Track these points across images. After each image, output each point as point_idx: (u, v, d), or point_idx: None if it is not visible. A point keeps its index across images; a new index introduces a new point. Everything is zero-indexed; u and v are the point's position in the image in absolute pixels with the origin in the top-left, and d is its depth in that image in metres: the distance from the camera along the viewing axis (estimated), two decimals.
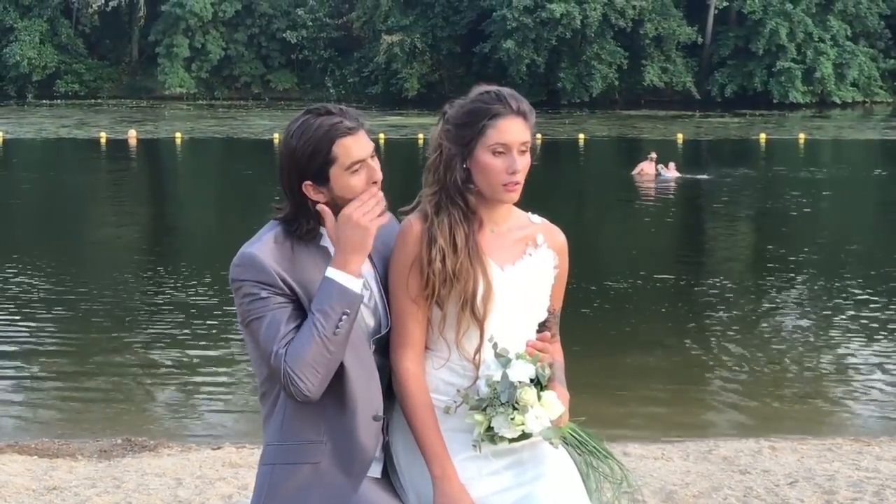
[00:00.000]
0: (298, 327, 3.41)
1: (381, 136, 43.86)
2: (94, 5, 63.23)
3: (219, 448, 8.74)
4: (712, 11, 61.56)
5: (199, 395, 11.65)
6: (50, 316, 14.89)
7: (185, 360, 12.84)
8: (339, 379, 3.48)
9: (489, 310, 3.62)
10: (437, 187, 3.68)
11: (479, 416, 3.56)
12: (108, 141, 41.66)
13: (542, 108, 53.04)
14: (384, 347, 3.63)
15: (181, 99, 63.28)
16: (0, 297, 15.90)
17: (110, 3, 63.65)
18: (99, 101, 62.78)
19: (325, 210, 3.46)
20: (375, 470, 3.65)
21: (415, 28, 62.05)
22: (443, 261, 3.57)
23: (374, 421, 3.55)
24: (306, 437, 3.53)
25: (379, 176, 3.55)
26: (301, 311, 3.46)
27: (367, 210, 3.42)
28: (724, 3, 60.63)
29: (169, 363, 12.74)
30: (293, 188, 3.54)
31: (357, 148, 3.51)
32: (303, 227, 3.55)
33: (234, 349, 13.21)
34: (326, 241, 3.57)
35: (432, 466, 3.58)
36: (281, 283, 3.45)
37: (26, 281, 16.87)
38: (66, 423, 10.51)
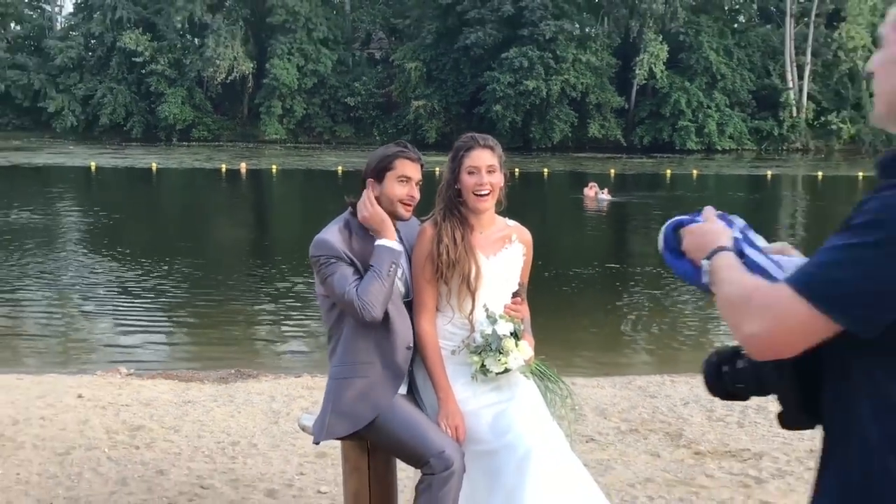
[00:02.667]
0: (359, 280, 3.48)
1: None
2: (218, 78, 63.08)
3: (299, 376, 8.74)
4: (635, 87, 61.37)
5: (284, 342, 11.70)
6: (185, 287, 14.96)
7: (277, 318, 12.90)
8: (384, 320, 3.54)
9: (479, 285, 3.67)
10: (443, 204, 3.77)
11: (475, 358, 3.60)
12: (227, 170, 41.57)
13: (518, 152, 53.16)
14: (409, 308, 3.69)
15: (276, 143, 63.20)
16: (152, 274, 15.96)
17: (229, 77, 63.52)
18: (220, 143, 62.71)
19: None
20: (403, 389, 3.69)
21: (434, 96, 62.03)
22: (447, 253, 3.64)
23: (406, 350, 3.61)
24: (360, 360, 3.59)
25: (415, 195, 3.68)
26: (359, 274, 3.52)
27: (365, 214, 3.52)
28: (643, 81, 60.44)
29: (266, 320, 12.80)
30: (362, 184, 3.70)
31: (410, 169, 3.63)
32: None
33: (308, 311, 13.29)
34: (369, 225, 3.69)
35: (438, 391, 3.63)
36: (344, 255, 3.53)
37: (170, 264, 16.92)
38: (197, 359, 10.54)
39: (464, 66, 61.99)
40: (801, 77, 62.15)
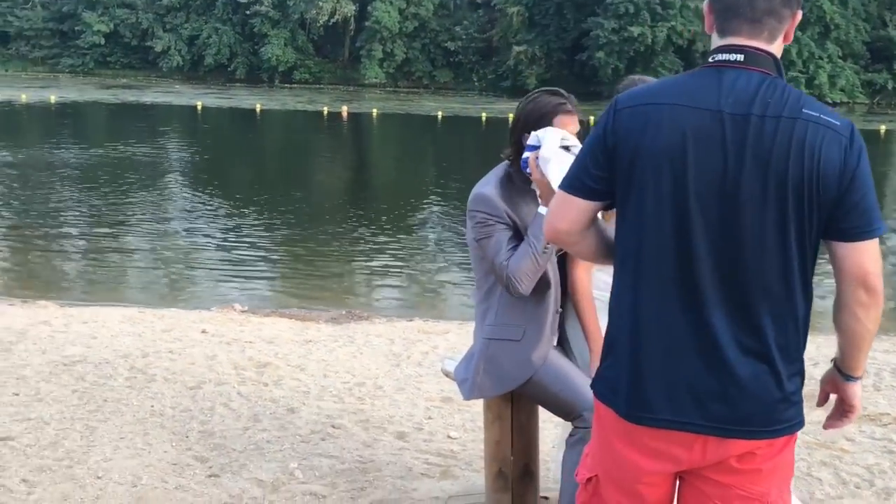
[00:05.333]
0: (515, 247, 3.36)
1: (510, 115, 43.52)
2: (320, 20, 63.19)
3: (412, 320, 8.76)
4: None
5: (390, 286, 11.73)
6: (291, 227, 15.11)
7: (380, 262, 12.94)
8: (540, 283, 3.42)
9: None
10: None
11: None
12: (328, 113, 41.78)
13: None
14: (562, 260, 3.57)
15: (376, 87, 63.26)
16: (258, 214, 16.17)
17: (331, 20, 63.61)
18: (321, 86, 62.98)
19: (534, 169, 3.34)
20: (554, 340, 3.60)
21: (535, 42, 61.14)
22: None
23: (556, 313, 3.51)
24: (513, 322, 3.49)
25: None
26: (517, 235, 3.40)
27: (536, 173, 3.30)
28: None
29: (369, 264, 12.84)
30: (516, 137, 3.49)
31: (570, 125, 3.43)
32: (516, 167, 3.48)
33: (412, 257, 13.31)
34: (535, 186, 3.51)
35: (591, 344, 3.54)
36: (504, 215, 3.40)
37: (275, 205, 17.12)
38: (305, 298, 10.63)
39: (567, 11, 60.92)
40: None
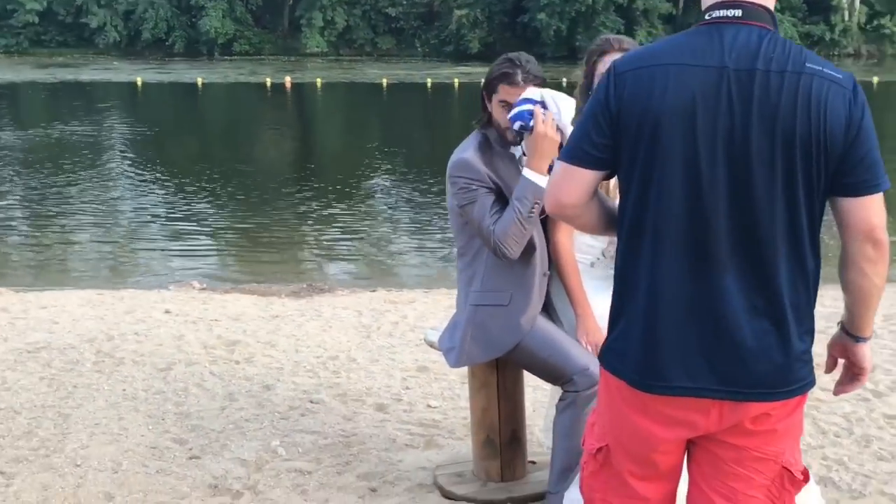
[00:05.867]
0: (500, 210, 3.32)
1: (456, 80, 43.32)
2: None
3: (374, 290, 8.70)
4: None
5: (349, 257, 11.64)
6: (239, 202, 14.93)
7: (331, 233, 12.86)
8: (525, 246, 3.40)
9: (617, 194, 3.50)
10: (580, 106, 3.57)
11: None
12: (272, 84, 41.29)
13: (564, 61, 52.20)
14: (545, 224, 3.54)
15: (317, 56, 62.63)
16: (205, 190, 15.96)
17: None
18: (262, 57, 62.19)
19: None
20: (541, 304, 3.59)
21: (476, 5, 60.91)
22: None
23: (543, 276, 3.48)
24: (500, 287, 3.46)
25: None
26: (501, 198, 3.36)
27: (552, 127, 3.28)
28: None
29: (327, 234, 12.73)
30: (482, 97, 3.46)
31: (511, 95, 3.37)
32: (493, 132, 3.44)
33: (362, 226, 13.25)
34: (515, 149, 3.48)
35: (576, 307, 3.51)
36: (486, 178, 3.36)
37: (223, 179, 16.93)
38: (263, 273, 10.45)
39: None
40: None
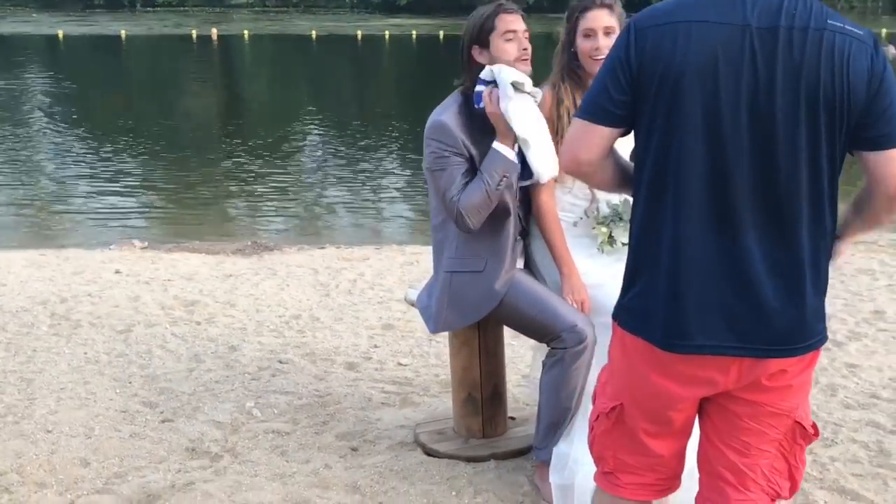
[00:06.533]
0: (467, 183, 3.32)
1: (386, 33, 42.96)
2: None
3: (323, 247, 8.61)
4: None
5: (286, 214, 11.45)
6: (172, 158, 14.65)
7: (276, 186, 12.68)
8: (496, 212, 3.40)
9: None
10: (559, 66, 3.57)
11: (603, 229, 3.48)
12: (198, 36, 40.54)
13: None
14: (524, 192, 3.54)
15: (243, 7, 61.61)
16: (135, 149, 15.62)
17: None
18: (186, 9, 61.03)
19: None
20: (520, 263, 3.60)
21: None
22: (568, 115, 3.46)
23: (516, 241, 3.51)
24: (474, 253, 3.47)
25: (527, 46, 3.46)
26: (472, 168, 3.36)
27: (491, 107, 3.29)
28: None
29: (262, 190, 12.52)
30: (466, 55, 3.44)
31: (513, 22, 3.40)
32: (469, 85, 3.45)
33: (296, 180, 13.11)
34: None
35: (561, 266, 3.51)
36: (461, 145, 3.36)
37: (152, 136, 16.58)
38: (200, 231, 10.19)
39: None
40: None
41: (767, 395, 2.27)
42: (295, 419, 4.24)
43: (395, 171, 14.10)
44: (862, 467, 3.75)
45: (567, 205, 3.58)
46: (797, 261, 2.16)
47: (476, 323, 3.76)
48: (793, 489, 2.40)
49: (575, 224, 3.57)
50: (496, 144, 3.34)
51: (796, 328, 2.19)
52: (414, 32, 42.90)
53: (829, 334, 5.20)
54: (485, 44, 3.44)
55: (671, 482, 2.49)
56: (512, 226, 3.47)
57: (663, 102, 2.14)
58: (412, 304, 3.95)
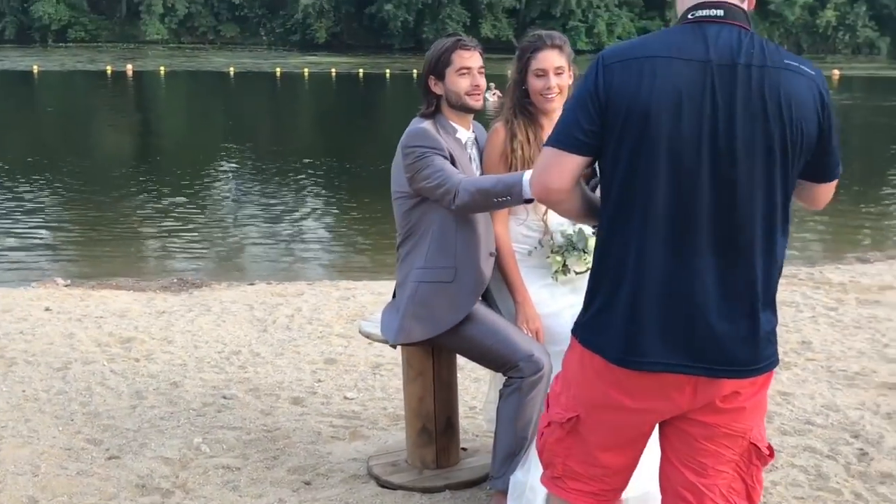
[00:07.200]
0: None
1: (305, 70, 42.93)
2: None
3: (252, 284, 8.56)
4: None
5: (205, 250, 11.32)
6: (87, 195, 14.41)
7: (191, 223, 12.56)
8: (470, 225, 3.48)
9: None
10: (512, 103, 3.67)
11: (557, 258, 3.57)
12: (113, 72, 40.03)
13: (411, 53, 52.53)
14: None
15: (157, 43, 61.03)
16: (47, 186, 15.32)
17: None
18: (99, 44, 60.24)
19: None
20: (485, 285, 3.66)
21: None
22: (521, 149, 3.57)
23: (489, 256, 3.56)
24: (442, 264, 3.52)
25: (480, 83, 3.56)
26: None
27: None
28: None
29: (181, 227, 12.39)
30: (424, 84, 3.55)
31: (468, 59, 3.52)
32: (433, 110, 3.59)
33: (212, 214, 13.01)
34: (460, 135, 3.57)
35: (515, 295, 3.60)
36: (444, 149, 3.44)
37: (69, 173, 16.29)
38: (119, 268, 10.00)
39: None
40: None
41: (722, 417, 2.37)
42: (245, 454, 4.22)
43: (318, 206, 14.12)
44: (803, 490, 3.89)
45: (521, 236, 3.67)
46: (751, 286, 2.29)
47: (430, 352, 3.82)
48: None
49: (529, 254, 3.66)
50: (526, 173, 3.23)
51: (748, 350, 2.30)
52: (333, 70, 42.97)
53: None
54: (440, 76, 3.56)
55: (614, 494, 2.58)
56: (482, 240, 3.53)
57: (629, 134, 2.26)
58: (368, 337, 3.98)
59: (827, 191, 2.45)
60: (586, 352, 2.41)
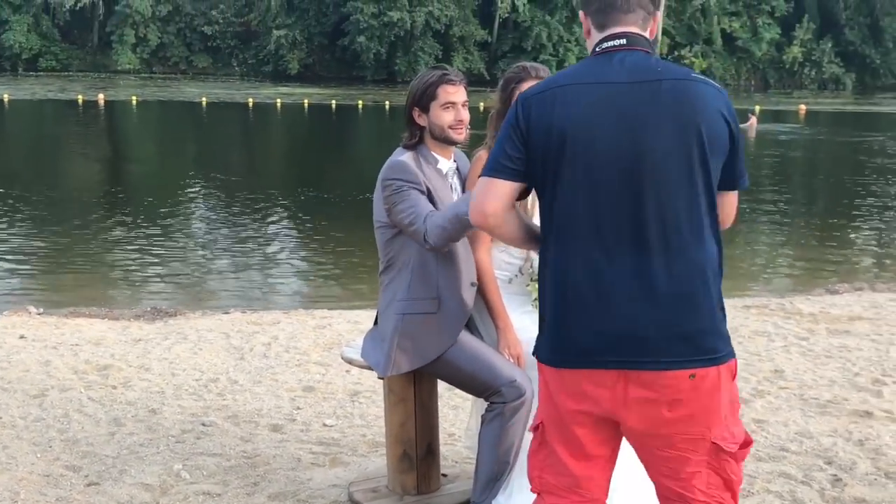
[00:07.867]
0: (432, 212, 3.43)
1: (278, 101, 43.00)
2: (66, 5, 60.18)
3: (227, 312, 8.54)
4: (497, 20, 61.66)
5: (174, 278, 11.28)
6: (58, 222, 14.34)
7: (161, 253, 12.54)
8: (450, 256, 3.52)
9: (535, 211, 3.66)
10: (495, 132, 3.72)
11: (537, 285, 3.61)
12: (84, 101, 39.89)
13: (384, 84, 52.76)
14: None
15: (129, 73, 60.93)
16: (22, 210, 15.22)
17: (78, 3, 60.63)
18: (70, 73, 60.05)
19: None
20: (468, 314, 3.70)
21: (295, 26, 60.85)
22: None
23: (471, 286, 3.60)
24: (425, 295, 3.56)
25: (463, 117, 3.61)
26: (431, 202, 3.48)
27: None
28: (506, 14, 60.84)
29: (151, 255, 12.36)
30: (409, 114, 3.59)
31: (453, 94, 3.58)
32: (416, 141, 3.63)
33: (183, 244, 12.97)
34: (441, 165, 3.62)
35: (497, 321, 3.65)
36: (422, 183, 3.48)
37: (39, 200, 16.17)
38: (90, 298, 9.96)
39: None
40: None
41: (673, 427, 2.45)
42: (225, 481, 4.22)
43: (290, 236, 14.13)
44: None
45: (503, 263, 3.73)
46: (678, 285, 2.40)
47: (412, 379, 3.85)
48: (734, 498, 2.56)
49: (510, 281, 3.72)
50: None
51: (674, 345, 2.40)
52: (306, 101, 43.06)
53: None
54: (425, 109, 3.60)
55: None
56: (463, 270, 3.57)
57: (551, 156, 2.45)
58: (351, 363, 4.01)
59: (732, 201, 2.58)
60: (539, 361, 2.59)
